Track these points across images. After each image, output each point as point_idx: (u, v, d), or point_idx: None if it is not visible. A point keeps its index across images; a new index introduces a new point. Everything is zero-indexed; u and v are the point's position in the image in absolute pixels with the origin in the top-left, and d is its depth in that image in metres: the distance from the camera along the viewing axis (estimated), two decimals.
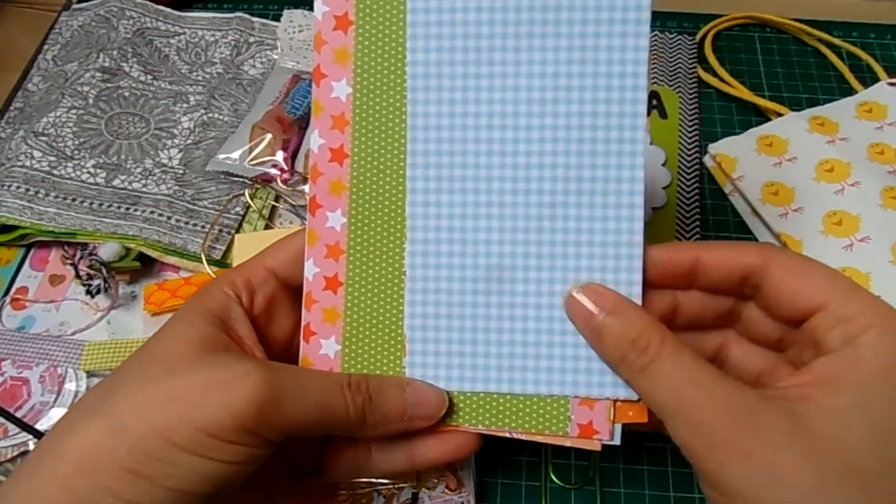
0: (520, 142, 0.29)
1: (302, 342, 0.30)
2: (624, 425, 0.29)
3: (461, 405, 0.30)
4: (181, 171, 0.51)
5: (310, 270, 0.30)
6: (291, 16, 0.60)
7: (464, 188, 0.29)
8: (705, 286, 0.29)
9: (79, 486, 0.23)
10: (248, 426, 0.24)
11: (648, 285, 0.29)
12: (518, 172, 0.29)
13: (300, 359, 0.31)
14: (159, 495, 0.23)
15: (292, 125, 0.52)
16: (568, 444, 0.30)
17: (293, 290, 0.31)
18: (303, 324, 0.30)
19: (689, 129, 0.54)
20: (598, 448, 0.30)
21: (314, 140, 0.30)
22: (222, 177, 0.51)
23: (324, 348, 0.30)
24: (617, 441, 0.30)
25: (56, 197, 0.48)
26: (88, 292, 0.45)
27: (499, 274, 0.29)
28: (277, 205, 0.50)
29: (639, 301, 0.28)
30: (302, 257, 0.30)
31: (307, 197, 0.30)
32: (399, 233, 0.30)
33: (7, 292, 0.47)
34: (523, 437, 0.30)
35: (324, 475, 0.31)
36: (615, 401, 0.29)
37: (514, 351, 0.29)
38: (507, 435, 0.30)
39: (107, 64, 0.56)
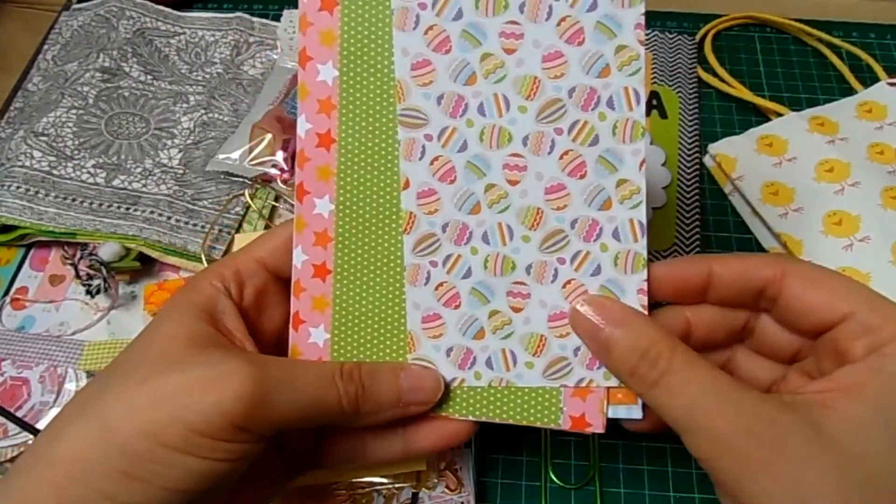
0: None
1: (291, 331, 0.30)
2: (617, 420, 0.29)
3: (454, 394, 0.30)
4: (181, 171, 0.51)
5: (298, 258, 0.30)
6: (291, 16, 0.60)
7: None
8: (718, 300, 0.29)
9: (73, 490, 0.23)
10: (238, 423, 0.24)
11: (660, 301, 0.28)
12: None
13: (290, 348, 0.30)
14: (155, 495, 0.23)
15: (292, 125, 0.52)
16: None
17: (283, 281, 0.31)
18: (292, 312, 0.30)
19: (689, 129, 0.54)
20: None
21: (301, 125, 0.29)
22: (222, 177, 0.51)
23: (313, 337, 0.30)
24: (601, 429, 0.30)
25: (56, 197, 0.48)
26: (88, 292, 0.45)
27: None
28: (277, 205, 0.50)
29: (645, 311, 0.28)
30: (291, 247, 0.30)
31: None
32: (388, 219, 0.29)
33: (7, 292, 0.47)
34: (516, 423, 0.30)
35: (320, 465, 0.31)
36: (608, 388, 0.29)
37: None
38: (500, 421, 0.30)
39: (107, 64, 0.56)
